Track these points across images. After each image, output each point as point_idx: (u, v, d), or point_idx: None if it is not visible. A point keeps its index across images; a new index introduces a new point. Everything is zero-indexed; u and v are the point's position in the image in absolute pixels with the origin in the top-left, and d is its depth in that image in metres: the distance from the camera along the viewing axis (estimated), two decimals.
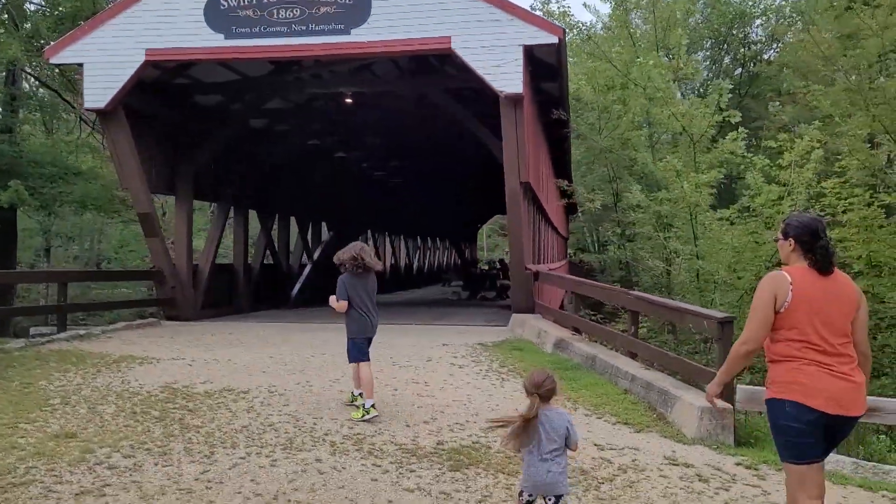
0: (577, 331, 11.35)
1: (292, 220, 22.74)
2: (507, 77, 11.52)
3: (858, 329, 3.70)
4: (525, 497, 3.89)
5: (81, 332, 12.33)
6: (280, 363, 9.58)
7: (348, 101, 16.99)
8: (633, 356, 9.01)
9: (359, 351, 7.04)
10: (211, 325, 14.57)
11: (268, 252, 20.21)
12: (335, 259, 7.05)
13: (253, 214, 20.11)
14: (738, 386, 6.83)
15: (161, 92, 14.92)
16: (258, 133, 19.30)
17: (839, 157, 12.71)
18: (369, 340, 7.16)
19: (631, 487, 5.13)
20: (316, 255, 22.31)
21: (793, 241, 3.75)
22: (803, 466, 3.59)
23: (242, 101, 17.13)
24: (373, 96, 17.77)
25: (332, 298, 6.97)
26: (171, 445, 5.73)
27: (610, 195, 20.61)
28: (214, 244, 16.91)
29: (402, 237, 36.36)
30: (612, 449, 6.05)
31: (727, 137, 14.29)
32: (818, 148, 13.41)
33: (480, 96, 18.30)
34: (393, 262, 34.55)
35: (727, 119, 13.00)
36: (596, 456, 5.83)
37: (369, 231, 30.75)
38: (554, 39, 11.45)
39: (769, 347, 3.73)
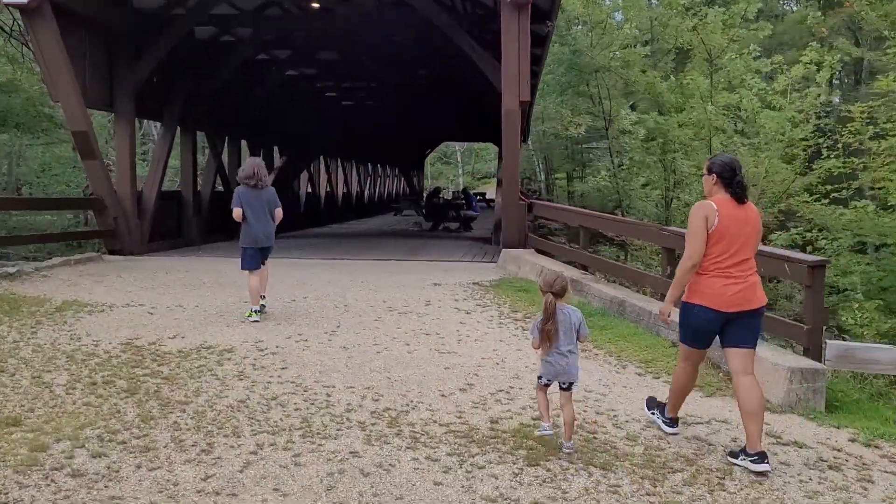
0: (584, 269, 10.26)
1: (243, 143, 20.76)
2: None
3: (757, 244, 4.48)
4: (544, 381, 4.43)
5: (10, 269, 10.58)
6: None
7: (315, 5, 15.03)
8: None
9: (249, 260, 7.71)
10: (161, 260, 12.95)
11: (218, 179, 18.33)
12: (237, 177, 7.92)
13: (201, 138, 18.16)
14: (829, 342, 5.83)
15: None
16: (205, 44, 17.16)
17: (879, 76, 11.62)
18: (260, 251, 7.78)
19: (760, 484, 4.05)
20: (269, 182, 20.49)
21: (715, 177, 4.37)
22: (695, 350, 4.55)
23: (185, 6, 15.04)
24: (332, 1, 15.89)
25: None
26: (154, 435, 4.35)
27: (593, 119, 19.12)
28: (160, 169, 15.00)
29: (353, 163, 34.47)
30: (697, 423, 4.98)
31: (727, 57, 13.05)
32: (824, 68, 12.38)
33: (451, 9, 16.64)
34: (345, 189, 32.79)
35: (754, 32, 11.70)
36: (689, 435, 4.74)
37: (321, 157, 28.85)
38: None
39: None
